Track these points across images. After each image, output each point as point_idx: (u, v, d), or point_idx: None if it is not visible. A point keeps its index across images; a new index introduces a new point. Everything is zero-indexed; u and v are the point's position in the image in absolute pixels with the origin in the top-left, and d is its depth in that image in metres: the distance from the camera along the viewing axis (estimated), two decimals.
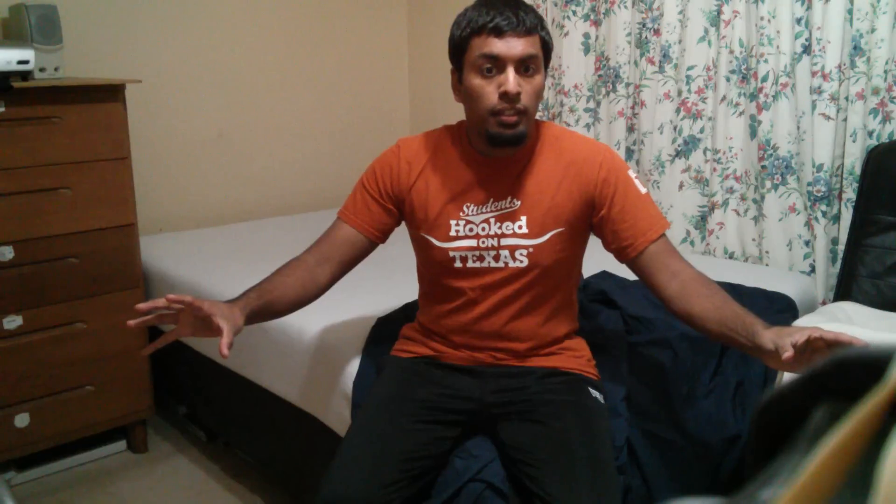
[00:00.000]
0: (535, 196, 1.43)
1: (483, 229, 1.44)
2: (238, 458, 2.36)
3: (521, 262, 1.43)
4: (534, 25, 1.35)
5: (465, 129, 1.49)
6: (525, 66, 1.35)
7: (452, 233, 1.45)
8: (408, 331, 1.62)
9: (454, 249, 1.45)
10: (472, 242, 1.44)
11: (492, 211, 1.44)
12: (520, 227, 1.43)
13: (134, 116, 2.36)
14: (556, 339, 1.51)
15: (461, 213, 1.45)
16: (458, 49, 1.40)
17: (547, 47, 1.40)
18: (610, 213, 1.42)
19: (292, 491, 2.12)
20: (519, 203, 1.44)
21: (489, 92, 1.35)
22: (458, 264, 1.46)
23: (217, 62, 2.93)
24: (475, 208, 1.45)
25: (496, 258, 1.44)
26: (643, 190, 1.45)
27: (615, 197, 1.42)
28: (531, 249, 1.43)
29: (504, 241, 1.43)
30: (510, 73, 1.33)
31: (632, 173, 1.46)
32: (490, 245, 1.44)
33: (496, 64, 1.34)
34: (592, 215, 1.45)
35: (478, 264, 1.45)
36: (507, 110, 1.35)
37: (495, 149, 1.42)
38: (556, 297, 1.49)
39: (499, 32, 1.33)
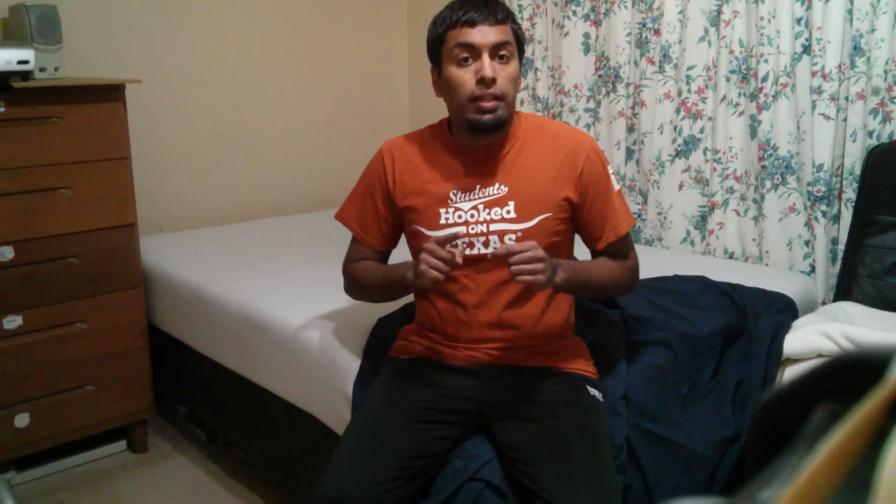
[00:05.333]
0: (522, 182, 1.47)
1: (472, 216, 1.47)
2: (238, 458, 2.36)
3: None
4: (504, 17, 1.44)
5: (448, 123, 1.54)
6: (499, 53, 1.42)
7: (442, 221, 1.48)
8: (406, 332, 1.63)
9: None
10: (462, 230, 1.47)
11: (480, 198, 1.48)
12: (508, 213, 1.46)
13: (134, 116, 2.36)
14: (551, 330, 1.52)
15: (449, 201, 1.49)
16: (436, 44, 1.47)
17: (519, 38, 1.47)
18: (585, 205, 1.49)
19: (292, 491, 2.12)
20: (506, 189, 1.47)
21: (467, 79, 1.42)
22: None
23: (217, 62, 2.93)
24: (463, 196, 1.49)
25: (486, 244, 1.46)
26: (616, 186, 1.54)
27: (592, 190, 1.49)
28: (519, 234, 1.46)
29: (493, 227, 1.46)
30: (485, 59, 1.40)
31: (610, 169, 1.53)
32: (479, 231, 1.47)
33: (472, 52, 1.41)
34: (575, 202, 1.50)
35: (468, 251, 1.47)
36: (486, 95, 1.40)
37: (476, 136, 1.46)
38: None
39: (472, 23, 1.41)
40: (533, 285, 1.33)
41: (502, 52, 1.42)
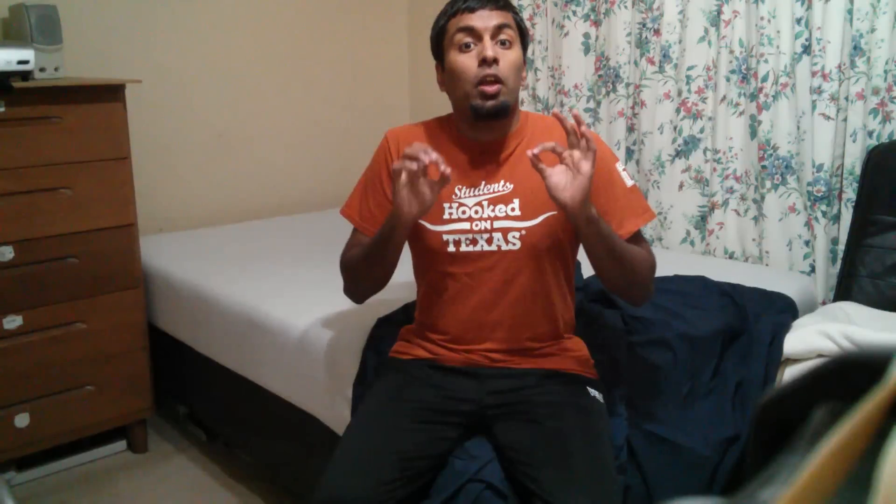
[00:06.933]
0: (527, 179, 1.45)
1: (476, 212, 1.46)
2: (238, 458, 2.36)
3: (514, 244, 1.45)
4: (504, 4, 1.44)
5: (454, 119, 1.53)
6: (500, 38, 1.42)
7: (446, 216, 1.47)
8: (406, 333, 1.62)
9: (447, 233, 1.46)
10: (466, 225, 1.46)
11: (484, 194, 1.47)
12: (512, 210, 1.45)
13: (134, 116, 2.35)
14: (554, 333, 1.51)
15: (454, 196, 1.47)
16: (438, 36, 1.47)
17: (521, 28, 1.47)
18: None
19: (292, 491, 2.12)
20: (512, 186, 1.46)
21: (469, 64, 1.41)
22: (451, 248, 1.46)
23: (217, 62, 2.93)
24: (468, 191, 1.47)
25: (489, 241, 1.45)
26: (629, 182, 1.49)
27: (598, 188, 1.43)
28: (524, 232, 1.44)
29: (497, 224, 1.45)
30: (486, 40, 1.41)
31: (619, 165, 1.50)
32: (483, 228, 1.45)
33: (473, 36, 1.41)
34: None
35: (471, 248, 1.46)
36: (489, 77, 1.39)
37: (480, 125, 1.45)
38: (553, 285, 1.49)
39: (472, 9, 1.42)
40: (579, 175, 1.26)
41: (503, 38, 1.41)
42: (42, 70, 2.11)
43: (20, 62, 2.02)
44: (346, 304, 1.87)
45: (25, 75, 2.06)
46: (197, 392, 2.47)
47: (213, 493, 2.23)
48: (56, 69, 2.15)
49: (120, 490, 2.25)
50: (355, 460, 1.36)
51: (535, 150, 1.27)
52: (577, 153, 1.28)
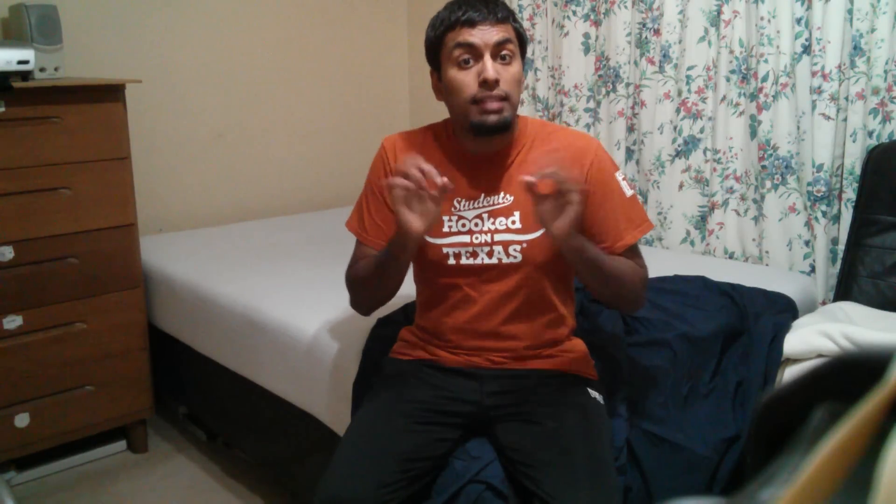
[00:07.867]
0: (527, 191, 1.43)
1: (476, 225, 1.44)
2: (238, 458, 2.36)
3: (515, 257, 1.43)
4: (505, 16, 1.39)
5: (451, 127, 1.50)
6: (501, 53, 1.38)
7: (445, 229, 1.45)
8: (406, 334, 1.61)
9: (447, 246, 1.45)
10: (466, 238, 1.44)
11: (484, 206, 1.45)
12: (513, 223, 1.43)
13: (134, 116, 2.36)
14: (554, 340, 1.51)
15: (453, 209, 1.45)
16: (435, 47, 1.43)
17: (521, 38, 1.43)
18: (587, 210, 1.41)
19: (292, 491, 2.12)
20: (512, 198, 1.44)
21: (468, 82, 1.37)
22: (451, 261, 1.45)
23: (217, 62, 2.93)
24: (467, 204, 1.45)
25: (489, 254, 1.44)
26: (629, 192, 1.47)
27: (597, 197, 1.42)
28: (524, 245, 1.43)
29: (497, 237, 1.43)
30: (487, 60, 1.36)
31: (619, 175, 1.47)
32: (483, 241, 1.43)
33: (472, 53, 1.37)
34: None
35: (471, 261, 1.44)
36: (489, 98, 1.36)
37: (480, 138, 1.42)
38: (553, 295, 1.48)
39: (471, 24, 1.37)
40: (565, 213, 1.23)
41: (504, 52, 1.38)
42: (42, 70, 2.11)
43: (20, 62, 2.02)
44: (346, 304, 1.87)
45: (25, 75, 2.06)
46: (197, 392, 2.47)
47: (213, 493, 2.23)
48: (56, 69, 2.15)
49: (120, 490, 2.25)
50: (356, 461, 1.36)
51: (533, 178, 1.23)
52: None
